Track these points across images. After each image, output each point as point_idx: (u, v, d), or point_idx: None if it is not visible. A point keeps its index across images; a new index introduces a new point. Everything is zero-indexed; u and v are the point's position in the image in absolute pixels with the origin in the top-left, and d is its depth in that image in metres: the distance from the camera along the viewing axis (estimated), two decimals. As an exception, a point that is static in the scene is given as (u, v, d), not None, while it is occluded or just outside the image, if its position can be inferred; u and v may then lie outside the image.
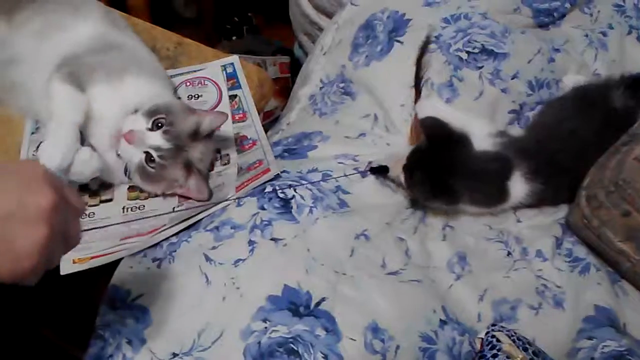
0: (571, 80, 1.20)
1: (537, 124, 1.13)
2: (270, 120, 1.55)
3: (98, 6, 1.22)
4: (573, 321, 0.90)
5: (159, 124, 1.02)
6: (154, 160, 1.01)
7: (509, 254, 0.98)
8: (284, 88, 1.91)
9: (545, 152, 1.04)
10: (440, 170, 0.99)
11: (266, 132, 1.25)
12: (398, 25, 1.22)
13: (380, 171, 1.04)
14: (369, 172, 1.03)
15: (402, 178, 1.02)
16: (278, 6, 1.83)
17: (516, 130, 1.14)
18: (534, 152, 1.03)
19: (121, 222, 1.04)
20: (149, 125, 1.01)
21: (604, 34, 1.28)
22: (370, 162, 1.06)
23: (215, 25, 2.56)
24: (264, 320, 0.82)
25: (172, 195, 1.07)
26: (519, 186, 1.01)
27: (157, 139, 1.01)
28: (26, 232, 0.54)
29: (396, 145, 1.12)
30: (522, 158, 1.01)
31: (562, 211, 1.05)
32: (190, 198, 1.06)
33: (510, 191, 1.01)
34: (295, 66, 2.01)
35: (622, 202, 0.91)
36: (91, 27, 1.15)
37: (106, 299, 0.91)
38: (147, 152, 1.01)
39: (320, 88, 1.30)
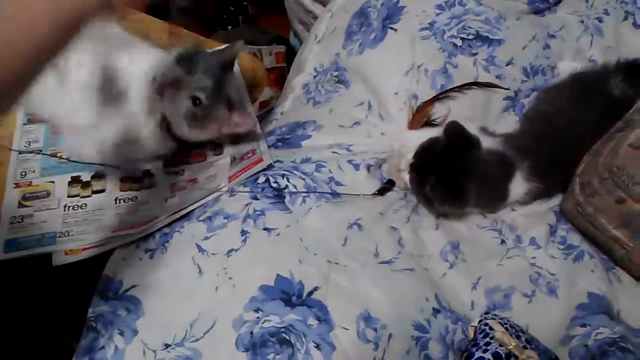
0: (567, 66, 1.19)
1: (533, 115, 1.12)
2: (266, 110, 1.54)
3: None
4: (566, 308, 0.89)
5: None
6: (201, 103, 1.01)
7: (502, 242, 0.98)
8: (280, 77, 1.90)
9: (543, 150, 1.02)
10: (454, 172, 0.97)
11: (262, 121, 1.24)
12: (392, 13, 1.21)
13: (388, 187, 1.03)
14: (377, 194, 1.02)
15: (405, 176, 1.02)
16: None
17: (507, 122, 1.13)
18: (533, 150, 1.02)
19: (114, 213, 1.03)
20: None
21: (600, 19, 1.27)
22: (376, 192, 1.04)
23: (212, 14, 2.55)
24: (257, 310, 0.81)
25: (165, 185, 1.07)
26: (518, 186, 1.01)
27: (200, 80, 1.00)
28: None
29: (390, 135, 1.11)
30: (522, 158, 1.00)
31: (556, 199, 1.05)
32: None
33: (510, 192, 1.01)
34: (291, 55, 2.00)
35: (616, 189, 0.90)
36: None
37: (98, 290, 0.91)
38: (193, 96, 1.01)
39: (314, 77, 1.29)
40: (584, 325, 0.86)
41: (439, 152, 1.00)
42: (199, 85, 1.00)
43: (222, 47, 1.10)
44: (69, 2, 0.58)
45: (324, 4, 1.51)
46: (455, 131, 0.99)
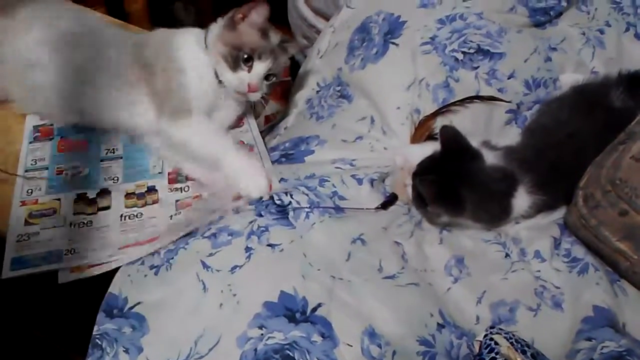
0: (569, 78, 1.19)
1: (536, 127, 1.12)
2: (271, 124, 1.54)
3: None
4: (572, 322, 0.89)
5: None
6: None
7: (507, 255, 0.97)
8: (285, 91, 1.91)
9: (546, 161, 1.02)
10: (451, 178, 0.98)
11: (266, 136, 1.25)
12: (393, 28, 1.22)
13: (391, 202, 1.04)
14: (381, 208, 1.02)
15: (410, 184, 1.02)
16: (277, 9, 1.82)
17: (510, 135, 1.13)
18: (535, 163, 1.02)
19: (120, 230, 1.04)
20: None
21: (601, 31, 1.27)
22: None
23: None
24: (260, 327, 0.81)
25: (170, 202, 1.08)
26: (522, 201, 1.01)
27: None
28: None
29: (393, 149, 1.11)
30: (524, 171, 1.00)
31: (560, 211, 1.05)
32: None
33: (513, 207, 1.01)
34: (295, 69, 2.01)
35: (620, 201, 0.90)
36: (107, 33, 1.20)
37: (104, 307, 0.91)
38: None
39: (317, 92, 1.30)
40: (589, 339, 0.85)
41: (434, 161, 1.01)
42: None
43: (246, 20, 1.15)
44: None
45: (327, 19, 1.53)
46: (450, 134, 1.01)
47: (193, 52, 1.14)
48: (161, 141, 1.14)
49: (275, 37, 1.15)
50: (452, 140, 1.01)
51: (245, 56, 1.09)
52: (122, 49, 1.16)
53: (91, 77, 1.13)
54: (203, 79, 1.13)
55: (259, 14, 1.11)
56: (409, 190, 1.01)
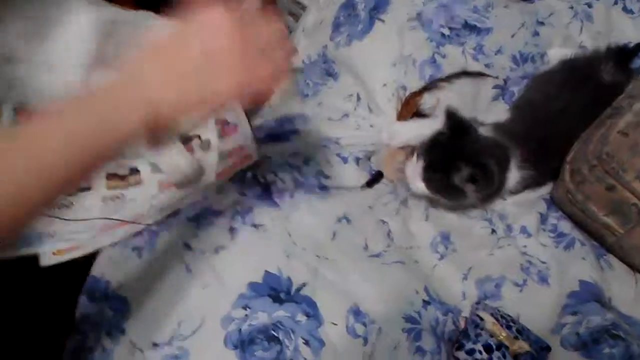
0: (557, 53, 1.18)
1: (524, 103, 1.11)
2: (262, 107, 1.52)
3: None
4: (558, 297, 0.89)
5: None
6: None
7: (493, 231, 0.97)
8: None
9: (535, 137, 1.01)
10: (476, 156, 0.94)
11: (251, 115, 1.23)
12: (379, 3, 1.19)
13: (377, 179, 1.02)
14: (367, 186, 1.00)
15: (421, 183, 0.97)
16: (263, -13, 1.79)
17: (497, 111, 1.12)
18: (524, 138, 1.00)
19: (101, 213, 1.02)
20: None
21: (589, 5, 1.25)
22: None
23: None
24: (245, 308, 0.80)
25: (152, 183, 1.06)
26: (512, 175, 0.99)
27: None
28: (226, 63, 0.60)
29: (379, 127, 1.10)
30: (513, 146, 0.99)
31: (546, 187, 1.04)
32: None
33: (507, 181, 0.99)
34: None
35: (606, 176, 0.90)
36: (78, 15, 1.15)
37: (85, 290, 0.90)
38: None
39: (302, 69, 1.28)
40: (575, 313, 0.86)
41: (449, 143, 0.96)
42: None
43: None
44: (89, 133, 0.53)
45: (313, -4, 1.50)
46: (455, 116, 0.97)
47: None
48: None
49: None
50: (457, 120, 0.96)
51: None
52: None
53: (65, 67, 1.10)
54: None
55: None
56: (419, 184, 0.97)
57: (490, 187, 0.95)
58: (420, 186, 0.96)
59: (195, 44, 0.59)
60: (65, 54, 1.12)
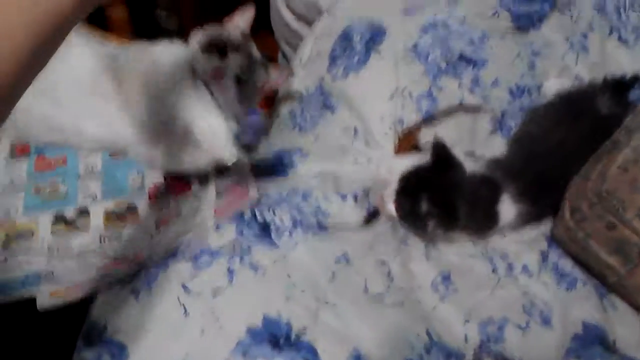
0: (553, 84, 1.18)
1: (521, 137, 1.10)
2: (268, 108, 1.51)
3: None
4: (561, 339, 0.87)
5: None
6: (243, 79, 1.05)
7: (494, 270, 0.96)
8: (270, 98, 1.89)
9: (532, 171, 1.01)
10: (445, 190, 0.96)
11: (250, 150, 1.23)
12: (375, 36, 1.20)
13: (375, 215, 1.02)
14: (364, 223, 1.00)
15: (389, 205, 0.99)
16: (261, 15, 1.80)
17: (495, 145, 1.12)
18: (521, 172, 1.00)
19: (99, 252, 1.01)
20: None
21: (585, 35, 1.25)
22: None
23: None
24: (244, 354, 0.79)
25: (150, 221, 1.06)
26: (508, 210, 0.99)
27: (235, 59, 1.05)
28: None
29: (377, 161, 1.09)
30: (510, 180, 0.98)
31: (546, 223, 1.03)
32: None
33: (500, 215, 0.99)
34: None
35: (607, 214, 0.89)
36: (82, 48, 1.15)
37: (83, 334, 0.89)
38: (236, 76, 1.05)
39: (300, 102, 1.28)
40: (579, 357, 0.84)
41: (425, 174, 0.98)
42: (236, 64, 1.04)
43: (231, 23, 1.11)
44: (42, 7, 0.53)
45: (310, 25, 1.50)
46: (442, 149, 0.98)
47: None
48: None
49: (258, 53, 1.12)
50: (444, 154, 0.98)
51: (222, 45, 1.05)
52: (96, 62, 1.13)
53: (65, 95, 1.10)
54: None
55: (243, 18, 1.10)
56: (389, 207, 0.98)
57: (452, 222, 0.96)
58: (390, 209, 0.98)
59: None
60: (66, 87, 1.12)
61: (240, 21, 1.10)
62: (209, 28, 1.10)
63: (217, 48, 1.04)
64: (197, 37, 1.07)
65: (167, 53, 1.11)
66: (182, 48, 1.11)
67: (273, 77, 1.11)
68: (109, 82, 1.10)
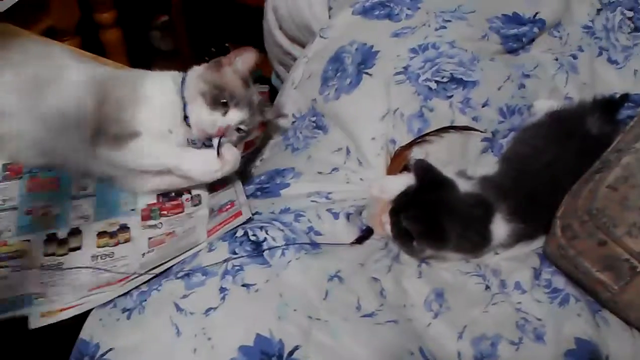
0: (543, 105, 1.19)
1: (512, 156, 1.11)
2: (251, 151, 1.52)
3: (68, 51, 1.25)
4: (554, 356, 0.87)
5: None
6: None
7: (487, 287, 0.96)
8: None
9: (523, 190, 1.02)
10: (432, 211, 0.97)
11: (248, 162, 1.24)
12: (366, 58, 1.21)
13: (367, 236, 1.02)
14: (356, 243, 1.01)
15: (387, 225, 1.00)
16: (255, 36, 1.82)
17: (486, 164, 1.13)
18: (512, 191, 1.01)
19: (91, 271, 1.01)
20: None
21: (574, 56, 1.27)
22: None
23: (193, 56, 2.56)
24: (236, 374, 0.79)
25: (142, 240, 1.06)
26: (500, 229, 1.00)
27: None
28: None
29: (369, 181, 1.10)
30: (501, 199, 0.99)
31: (539, 241, 1.04)
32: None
33: (492, 235, 1.00)
34: (274, 95, 2.01)
35: (597, 231, 0.89)
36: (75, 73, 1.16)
37: (75, 355, 0.89)
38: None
39: (292, 122, 1.29)
40: (572, 373, 0.84)
41: (413, 194, 1.00)
42: (238, 120, 1.11)
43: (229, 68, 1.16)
44: None
45: (303, 46, 1.52)
46: (424, 169, 1.01)
47: (164, 90, 1.13)
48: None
49: (256, 95, 1.15)
50: (426, 173, 1.00)
51: (224, 100, 1.08)
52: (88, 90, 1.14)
53: (58, 124, 1.11)
54: (164, 117, 1.11)
55: (244, 62, 1.11)
56: (387, 227, 1.00)
57: (442, 243, 0.97)
58: (388, 229, 0.99)
59: None
60: (60, 112, 1.13)
61: (240, 64, 1.12)
62: (210, 74, 1.12)
63: (220, 102, 1.09)
64: (199, 88, 1.11)
65: (158, 86, 1.14)
66: (172, 85, 1.14)
67: (268, 116, 1.18)
68: (106, 107, 1.11)
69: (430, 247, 0.98)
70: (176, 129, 1.11)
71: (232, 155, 1.10)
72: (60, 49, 1.32)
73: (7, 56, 1.16)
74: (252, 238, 0.96)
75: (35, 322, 0.92)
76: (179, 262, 0.98)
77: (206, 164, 1.08)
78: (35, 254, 1.03)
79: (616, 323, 0.92)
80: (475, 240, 1.00)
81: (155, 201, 1.14)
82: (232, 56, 1.13)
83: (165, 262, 0.97)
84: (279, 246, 0.94)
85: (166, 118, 1.11)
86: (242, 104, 1.10)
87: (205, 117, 1.09)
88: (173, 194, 1.15)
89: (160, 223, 1.11)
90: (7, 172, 1.17)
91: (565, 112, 1.15)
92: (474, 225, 0.99)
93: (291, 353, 0.81)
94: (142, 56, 2.34)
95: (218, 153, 1.09)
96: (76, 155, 1.11)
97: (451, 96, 1.14)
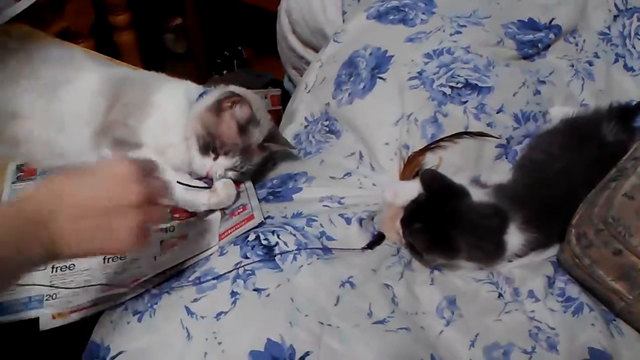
0: (558, 112, 1.18)
1: (526, 163, 1.10)
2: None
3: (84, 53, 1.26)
4: (568, 366, 0.86)
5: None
6: None
7: (500, 295, 0.95)
8: (276, 121, 1.90)
9: (537, 198, 1.01)
10: (441, 222, 0.97)
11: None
12: (380, 62, 1.21)
13: (378, 241, 1.02)
14: (367, 248, 1.00)
15: (400, 231, 1.00)
16: (268, 39, 1.83)
17: (500, 171, 1.12)
18: (526, 199, 1.00)
19: (102, 273, 1.01)
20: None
21: (590, 63, 1.26)
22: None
23: (206, 59, 2.57)
24: (246, 378, 0.79)
25: (155, 243, 1.06)
26: (515, 238, 0.99)
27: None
28: (124, 222, 0.73)
29: (382, 186, 1.10)
30: (516, 208, 0.98)
31: (553, 249, 1.03)
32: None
33: (507, 245, 0.99)
34: (286, 99, 2.01)
35: (613, 240, 0.88)
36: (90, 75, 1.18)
37: (86, 356, 0.89)
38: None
39: (305, 127, 1.29)
40: (585, 383, 0.83)
41: (423, 202, 1.00)
42: (226, 166, 1.13)
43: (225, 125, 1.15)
44: None
45: (316, 50, 1.52)
46: (431, 178, 1.00)
47: (175, 103, 1.14)
48: None
49: (259, 134, 1.15)
50: (435, 183, 1.00)
51: (214, 147, 1.11)
52: (102, 91, 1.15)
53: (72, 126, 1.12)
54: (169, 132, 1.13)
55: (241, 110, 1.11)
56: (400, 233, 1.00)
57: (452, 253, 0.97)
58: (399, 234, 1.00)
59: (104, 198, 0.72)
60: (74, 113, 1.14)
61: (238, 112, 1.12)
62: (208, 118, 1.13)
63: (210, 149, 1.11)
64: (196, 130, 1.12)
65: (169, 99, 1.16)
66: (183, 99, 1.16)
67: (272, 149, 1.20)
68: (120, 109, 1.12)
69: (440, 257, 0.98)
70: (180, 145, 1.13)
71: (224, 191, 1.11)
72: (77, 50, 1.33)
73: (23, 57, 1.17)
74: (264, 242, 0.96)
75: (46, 324, 0.92)
76: (190, 265, 0.98)
77: (194, 195, 1.10)
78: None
79: (630, 333, 0.91)
80: (489, 251, 0.99)
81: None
82: (235, 99, 1.13)
83: (177, 265, 0.97)
84: (290, 251, 0.94)
85: (171, 133, 1.13)
86: (233, 152, 1.12)
87: (196, 160, 1.12)
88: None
89: (172, 226, 1.11)
90: (21, 173, 1.18)
91: (581, 119, 1.14)
92: (487, 235, 0.98)
93: (302, 359, 0.80)
94: (156, 58, 2.36)
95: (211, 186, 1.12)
96: (89, 157, 1.12)
97: (466, 102, 1.14)
